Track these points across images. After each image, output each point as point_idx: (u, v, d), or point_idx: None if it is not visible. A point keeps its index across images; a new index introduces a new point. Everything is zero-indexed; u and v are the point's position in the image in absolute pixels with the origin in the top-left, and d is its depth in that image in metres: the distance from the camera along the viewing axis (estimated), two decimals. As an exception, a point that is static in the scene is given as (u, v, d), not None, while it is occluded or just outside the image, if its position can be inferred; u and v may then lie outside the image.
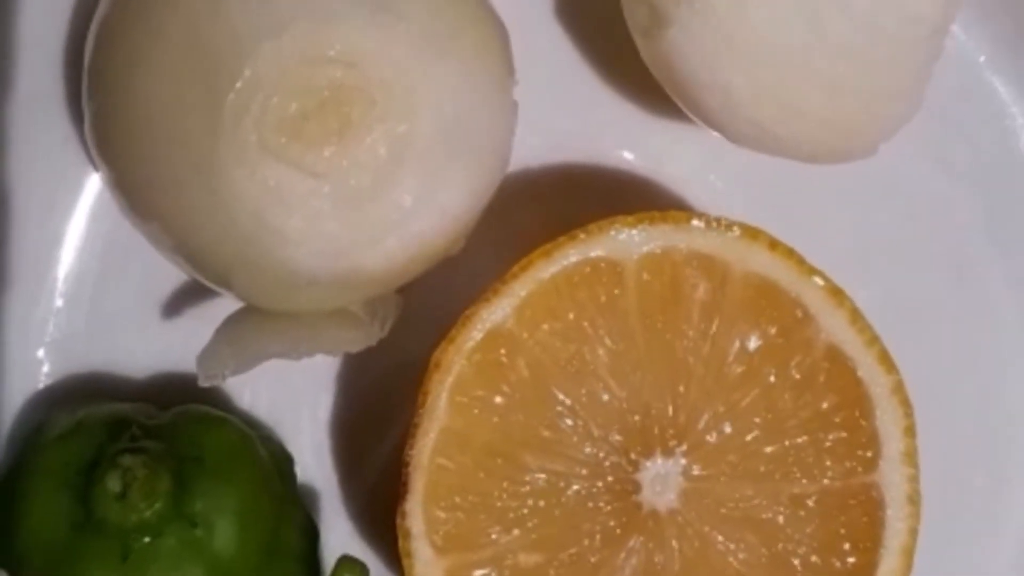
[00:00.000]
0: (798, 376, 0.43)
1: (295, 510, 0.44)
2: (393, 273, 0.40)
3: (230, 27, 0.36)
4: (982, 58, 0.49)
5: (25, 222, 0.45)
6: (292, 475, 0.45)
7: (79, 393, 0.46)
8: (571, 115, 0.48)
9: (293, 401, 0.47)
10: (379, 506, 0.46)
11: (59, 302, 0.46)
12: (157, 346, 0.46)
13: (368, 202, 0.38)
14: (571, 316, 0.42)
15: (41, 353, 0.46)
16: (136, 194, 0.39)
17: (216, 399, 0.46)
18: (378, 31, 0.37)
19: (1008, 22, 0.48)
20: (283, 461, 0.45)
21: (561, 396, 0.42)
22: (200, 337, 0.42)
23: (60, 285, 0.46)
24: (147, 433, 0.41)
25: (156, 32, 0.37)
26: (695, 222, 0.42)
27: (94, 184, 0.45)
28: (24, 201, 0.45)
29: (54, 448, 0.42)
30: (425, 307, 0.44)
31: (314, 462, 0.47)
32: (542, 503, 0.42)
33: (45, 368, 0.46)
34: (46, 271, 0.46)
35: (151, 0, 0.37)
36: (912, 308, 0.48)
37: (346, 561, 0.40)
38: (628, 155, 0.48)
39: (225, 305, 0.43)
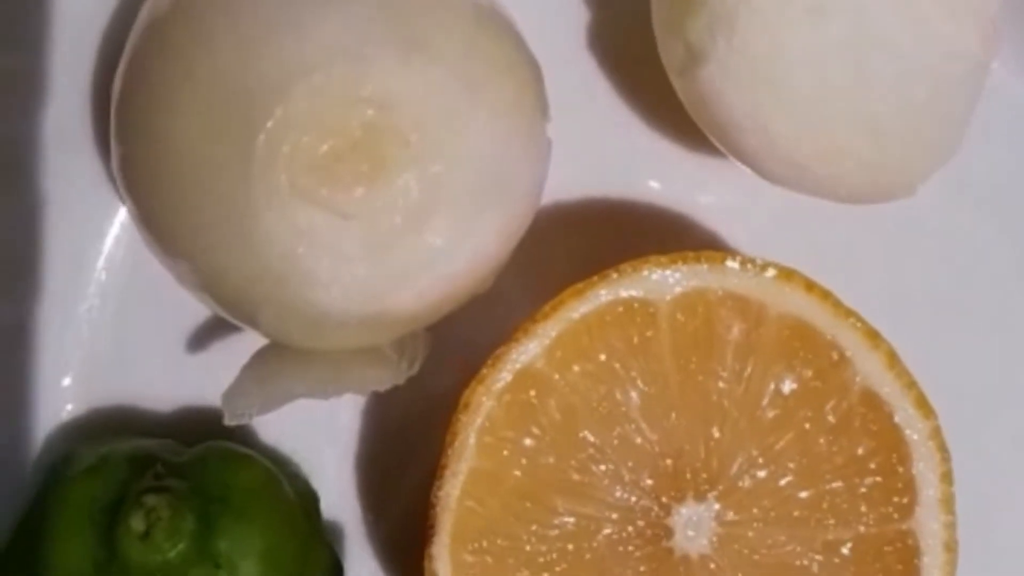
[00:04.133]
0: (833, 420, 0.42)
1: (320, 549, 0.44)
2: (423, 313, 0.39)
3: (261, 67, 0.36)
4: (1020, 93, 0.48)
5: (53, 254, 0.45)
6: (318, 513, 0.45)
7: (104, 427, 0.45)
8: (604, 148, 0.47)
9: (320, 437, 0.46)
10: (406, 545, 0.45)
11: (86, 334, 0.45)
12: (183, 381, 0.46)
13: (399, 244, 0.37)
14: (603, 357, 0.41)
15: (67, 384, 0.45)
16: (164, 234, 0.38)
17: (242, 435, 0.45)
18: (412, 72, 0.36)
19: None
20: (309, 499, 0.44)
21: (592, 438, 0.41)
22: (227, 372, 0.42)
23: (87, 316, 0.45)
24: (172, 471, 0.41)
25: (185, 72, 0.36)
26: (730, 262, 0.41)
27: (122, 216, 0.45)
28: (52, 233, 0.44)
29: (79, 484, 0.42)
30: (455, 344, 0.44)
31: (340, 499, 0.46)
32: (572, 547, 0.41)
33: (71, 400, 0.45)
34: (74, 303, 0.45)
35: (180, 39, 0.37)
36: (950, 352, 0.47)
37: None
38: (661, 189, 0.48)
39: (252, 340, 0.43)
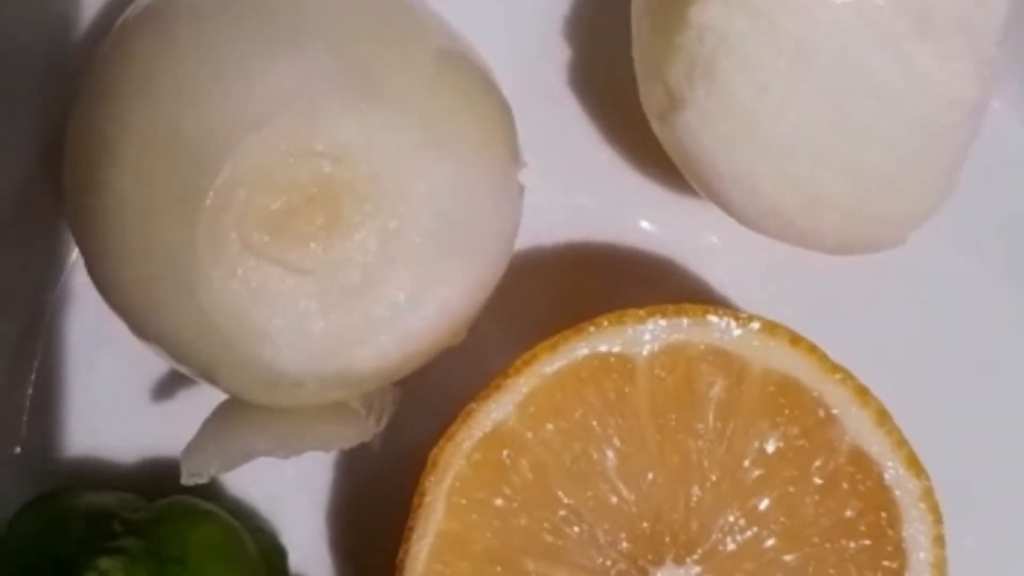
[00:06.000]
0: (820, 481, 0.40)
1: (286, 608, 0.42)
2: (387, 371, 0.38)
3: (209, 121, 0.34)
4: (1019, 136, 0.46)
5: (8, 303, 0.43)
6: (285, 569, 0.43)
7: (63, 479, 0.44)
8: (585, 193, 0.46)
9: (290, 490, 0.45)
10: (376, 601, 0.43)
11: (43, 382, 0.44)
12: (147, 432, 0.44)
13: (358, 300, 0.35)
14: (578, 414, 0.40)
15: (24, 434, 0.44)
16: (113, 288, 0.37)
17: (208, 486, 0.43)
18: (367, 123, 0.35)
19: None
20: (274, 555, 0.43)
21: (566, 499, 0.40)
22: (193, 422, 0.41)
23: (45, 365, 0.44)
24: (129, 529, 0.40)
25: (129, 123, 0.35)
26: (711, 316, 0.40)
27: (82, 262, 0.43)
28: (8, 281, 0.43)
29: (33, 541, 0.40)
30: (429, 395, 0.42)
31: (310, 552, 0.45)
32: (544, 613, 0.39)
33: (28, 450, 0.44)
34: (31, 350, 0.44)
35: (125, 93, 0.35)
36: (943, 409, 0.45)
37: None
38: (646, 233, 0.46)
39: (218, 390, 0.41)
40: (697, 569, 0.40)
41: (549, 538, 0.39)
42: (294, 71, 0.34)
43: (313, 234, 0.35)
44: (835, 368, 0.40)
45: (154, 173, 0.34)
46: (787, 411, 0.40)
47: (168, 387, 0.44)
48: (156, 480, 0.43)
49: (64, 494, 0.42)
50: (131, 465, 0.44)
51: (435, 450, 0.39)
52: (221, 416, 0.39)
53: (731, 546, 0.40)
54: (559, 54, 0.46)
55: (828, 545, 0.40)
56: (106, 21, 0.43)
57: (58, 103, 0.41)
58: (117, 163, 0.35)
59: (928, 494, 0.40)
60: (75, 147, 0.37)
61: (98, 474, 0.44)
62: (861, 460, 0.40)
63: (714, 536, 0.40)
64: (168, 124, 0.34)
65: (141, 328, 0.37)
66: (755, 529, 0.40)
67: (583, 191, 0.45)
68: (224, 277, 0.34)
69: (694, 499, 0.40)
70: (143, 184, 0.34)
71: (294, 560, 0.44)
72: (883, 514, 0.40)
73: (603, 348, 0.40)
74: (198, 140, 0.34)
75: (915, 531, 0.40)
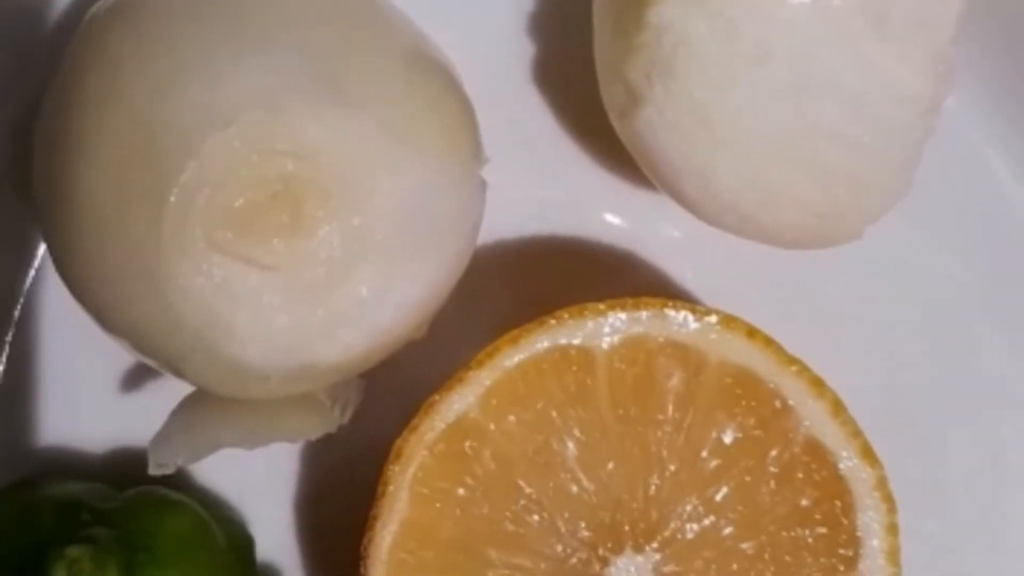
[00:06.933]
0: (776, 470, 0.41)
1: (254, 596, 0.43)
2: (351, 364, 0.38)
3: (175, 119, 0.35)
4: (974, 130, 0.47)
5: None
6: (252, 560, 0.44)
7: (34, 469, 0.44)
8: (546, 187, 0.46)
9: (258, 480, 0.45)
10: (343, 589, 0.44)
11: (13, 373, 0.44)
12: (116, 423, 0.45)
13: (322, 295, 0.36)
14: (539, 405, 0.40)
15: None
16: (80, 283, 0.37)
17: (176, 477, 0.44)
18: (331, 120, 0.35)
19: (1000, 93, 0.46)
20: (242, 545, 0.43)
21: (528, 489, 0.40)
22: (159, 413, 0.41)
23: (15, 357, 0.45)
24: (98, 518, 0.40)
25: (96, 121, 0.35)
26: (669, 310, 0.41)
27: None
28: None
29: (2, 529, 0.41)
30: (393, 389, 0.43)
31: (278, 543, 0.46)
32: (506, 601, 0.40)
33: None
34: (0, 345, 0.44)
35: (93, 92, 0.36)
36: (898, 399, 0.46)
37: None
38: (605, 227, 0.47)
39: (185, 383, 0.42)
40: (656, 557, 0.40)
41: (511, 527, 0.40)
42: (260, 70, 0.35)
43: (277, 231, 0.35)
44: (791, 360, 0.41)
45: (121, 170, 0.35)
46: (744, 402, 0.41)
47: (136, 379, 0.45)
48: (125, 471, 0.44)
49: (34, 484, 0.42)
50: (101, 456, 0.45)
51: (399, 441, 0.40)
52: (188, 408, 0.40)
53: (690, 534, 0.41)
54: (523, 52, 0.46)
55: (784, 533, 0.41)
56: (76, 15, 0.44)
57: (28, 98, 0.41)
58: (85, 160, 0.35)
59: (882, 483, 0.41)
60: (44, 143, 0.37)
61: (68, 465, 0.45)
62: (816, 450, 0.41)
63: (673, 524, 0.41)
64: (135, 121, 0.35)
65: (109, 323, 0.38)
66: (713, 517, 0.41)
67: (546, 186, 0.46)
68: (190, 273, 0.35)
69: (653, 488, 0.40)
70: (110, 181, 0.35)
71: (261, 549, 0.45)
72: (838, 503, 0.41)
73: (564, 341, 0.40)
74: (164, 137, 0.34)
75: (869, 519, 0.41)
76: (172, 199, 0.34)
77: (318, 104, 0.35)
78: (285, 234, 0.35)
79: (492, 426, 0.40)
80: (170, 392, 0.42)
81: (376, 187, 0.36)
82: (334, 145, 0.35)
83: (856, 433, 0.41)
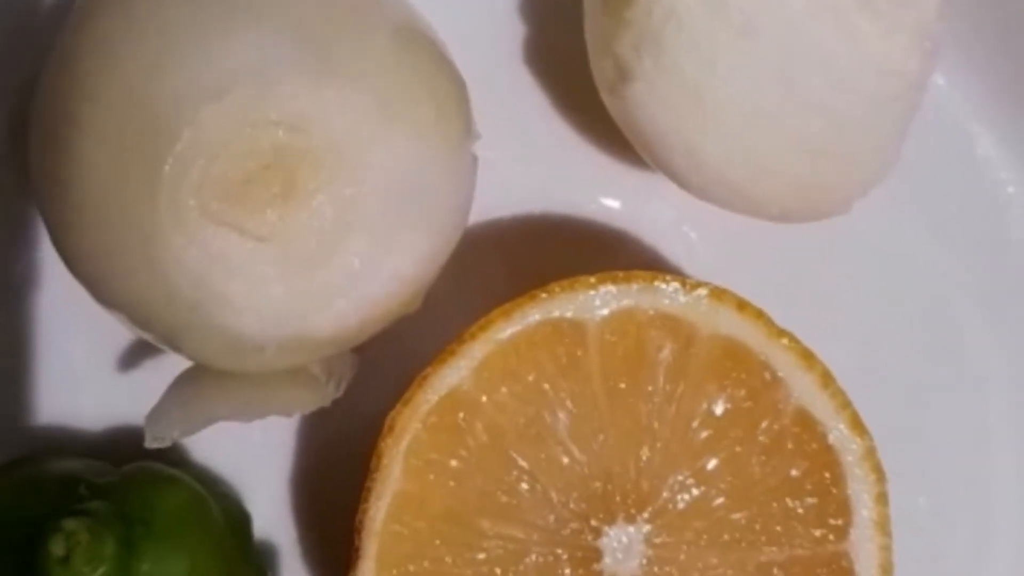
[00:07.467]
0: (766, 441, 0.41)
1: (250, 570, 0.43)
2: (345, 336, 0.39)
3: (170, 90, 0.35)
4: (961, 108, 0.47)
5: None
6: (249, 534, 0.44)
7: (31, 446, 0.45)
8: (540, 165, 0.47)
9: (254, 457, 0.46)
10: (340, 566, 0.44)
11: (11, 352, 0.45)
12: (115, 400, 0.45)
13: (315, 266, 0.37)
14: (531, 378, 0.41)
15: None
16: (75, 256, 0.38)
17: (173, 453, 0.45)
18: (324, 94, 0.36)
19: (988, 71, 0.46)
20: (239, 520, 0.44)
21: (520, 460, 0.41)
22: (156, 390, 0.42)
23: (13, 336, 0.45)
24: (96, 493, 0.40)
25: (92, 93, 0.36)
26: (660, 282, 0.41)
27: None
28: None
29: (3, 505, 0.41)
30: (386, 363, 0.43)
31: (274, 517, 0.46)
32: (499, 571, 0.41)
33: (-1, 419, 0.45)
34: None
35: (89, 64, 0.36)
36: (887, 371, 0.46)
37: None
38: (596, 206, 0.47)
39: (183, 359, 0.42)
40: (648, 527, 0.41)
41: (504, 498, 0.40)
42: (253, 43, 0.35)
43: (270, 202, 0.36)
44: (781, 333, 0.41)
45: (116, 142, 0.35)
46: (734, 374, 0.41)
47: (133, 357, 0.45)
48: (123, 448, 0.44)
49: (32, 461, 0.43)
50: (98, 433, 0.45)
51: (392, 414, 0.40)
52: (184, 382, 0.40)
53: (681, 505, 0.41)
54: (515, 30, 0.47)
55: (775, 503, 0.41)
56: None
57: (25, 79, 0.41)
58: (81, 133, 0.36)
59: (871, 454, 0.41)
60: (40, 119, 0.38)
61: (66, 442, 0.45)
62: (806, 421, 0.41)
63: (664, 495, 0.41)
64: (130, 94, 0.35)
65: (105, 296, 0.38)
66: (704, 488, 0.41)
67: (539, 164, 0.46)
68: (184, 244, 0.35)
69: (644, 459, 0.41)
70: (106, 153, 0.35)
71: (258, 525, 0.45)
72: (827, 473, 0.41)
73: (555, 314, 0.41)
74: (158, 110, 0.35)
75: (858, 489, 0.41)
76: (167, 169, 0.35)
77: (310, 77, 0.35)
78: (278, 205, 0.36)
79: (484, 398, 0.40)
80: (166, 369, 0.42)
81: (368, 159, 0.36)
82: (326, 117, 0.36)
83: (845, 404, 0.41)
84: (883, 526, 0.42)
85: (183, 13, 0.36)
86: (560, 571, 0.41)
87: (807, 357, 0.41)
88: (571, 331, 0.41)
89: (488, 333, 0.40)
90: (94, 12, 0.37)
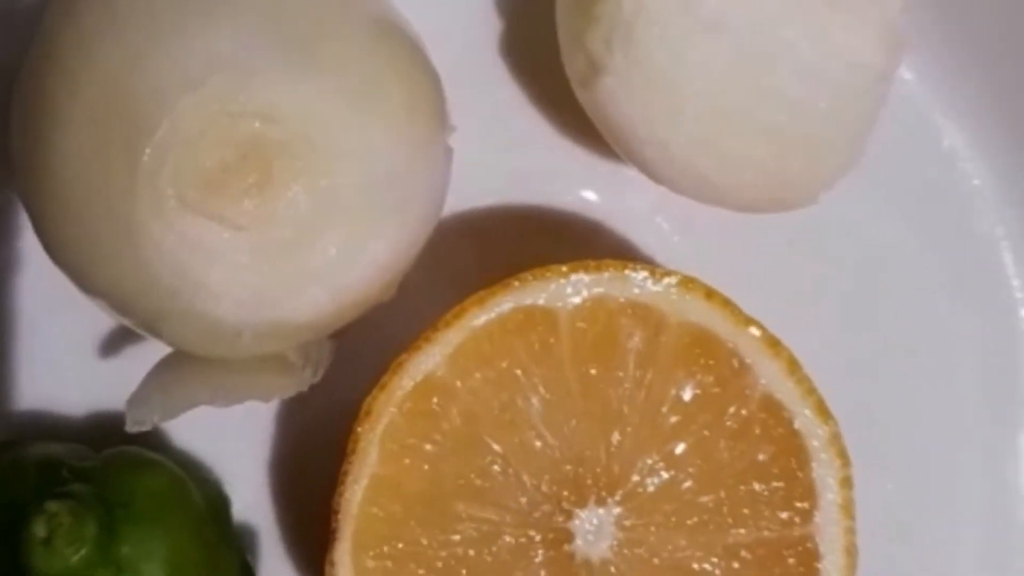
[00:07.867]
0: (734, 426, 0.42)
1: (229, 553, 0.44)
2: (322, 322, 0.39)
3: (148, 80, 0.36)
4: (927, 101, 0.48)
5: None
6: (228, 518, 0.45)
7: (13, 431, 0.45)
8: (514, 155, 0.48)
9: (233, 441, 0.47)
10: (320, 549, 0.45)
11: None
12: (95, 385, 0.46)
13: (291, 254, 0.37)
14: (504, 364, 0.42)
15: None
16: (55, 243, 0.38)
17: (153, 438, 0.45)
18: (299, 83, 0.36)
19: (953, 65, 0.47)
20: (219, 504, 0.45)
21: (494, 445, 0.42)
22: (136, 376, 0.42)
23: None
24: (77, 476, 0.41)
25: (72, 86, 0.37)
26: (629, 271, 0.42)
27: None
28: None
29: (-15, 489, 0.42)
30: (361, 348, 0.44)
31: (253, 501, 0.47)
32: (473, 552, 0.41)
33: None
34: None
35: (68, 53, 0.37)
36: (852, 358, 0.47)
37: None
38: (570, 197, 0.48)
39: (163, 345, 0.43)
40: (618, 510, 0.42)
41: (478, 481, 0.41)
42: (231, 34, 0.36)
43: (247, 191, 0.36)
44: (748, 321, 0.42)
45: (96, 131, 0.36)
46: (703, 361, 0.42)
47: (114, 343, 0.46)
48: (104, 432, 0.45)
49: (14, 445, 0.43)
50: (80, 418, 0.46)
51: (368, 399, 0.41)
52: (164, 367, 0.41)
53: (650, 488, 0.42)
54: (490, 24, 0.47)
55: (742, 487, 0.42)
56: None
57: (6, 69, 0.42)
58: (61, 122, 0.37)
59: (836, 439, 0.42)
60: (21, 108, 0.38)
61: (48, 426, 0.46)
62: (772, 407, 0.42)
63: (634, 479, 0.42)
64: (109, 84, 0.36)
65: (86, 283, 0.39)
66: (673, 472, 0.42)
67: (513, 156, 0.47)
68: (163, 232, 0.36)
69: (615, 444, 0.42)
70: (85, 142, 0.36)
71: (237, 508, 0.46)
72: (793, 458, 0.42)
73: (528, 302, 0.42)
74: (137, 99, 0.36)
75: (824, 473, 0.42)
76: (145, 159, 0.35)
77: (287, 68, 0.36)
78: (254, 194, 0.36)
79: (459, 384, 0.41)
80: (147, 356, 0.43)
81: (342, 150, 0.37)
82: (302, 108, 0.36)
83: (811, 391, 0.42)
84: (848, 509, 0.42)
85: (163, 4, 0.37)
86: (533, 553, 0.42)
87: (774, 344, 0.42)
88: (543, 318, 0.41)
89: (462, 320, 0.41)
90: (76, 2, 0.38)
